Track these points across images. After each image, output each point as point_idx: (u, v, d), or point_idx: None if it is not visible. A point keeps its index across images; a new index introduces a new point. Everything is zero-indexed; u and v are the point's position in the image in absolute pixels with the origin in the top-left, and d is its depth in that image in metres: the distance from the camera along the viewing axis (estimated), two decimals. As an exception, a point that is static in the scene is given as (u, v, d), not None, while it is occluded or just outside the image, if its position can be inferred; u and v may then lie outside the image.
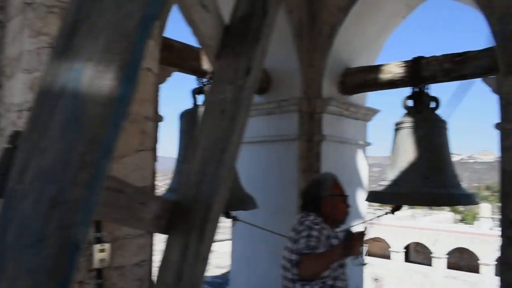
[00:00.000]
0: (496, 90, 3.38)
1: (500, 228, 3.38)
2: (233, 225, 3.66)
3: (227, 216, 3.63)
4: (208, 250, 1.18)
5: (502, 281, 3.36)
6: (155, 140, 3.01)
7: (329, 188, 2.61)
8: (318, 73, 4.21)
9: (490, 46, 3.52)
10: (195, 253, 1.14)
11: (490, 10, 3.39)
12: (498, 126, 3.36)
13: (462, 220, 33.39)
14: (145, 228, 1.18)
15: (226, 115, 1.13)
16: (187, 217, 1.15)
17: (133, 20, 0.62)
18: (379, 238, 24.23)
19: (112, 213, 0.99)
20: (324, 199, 2.56)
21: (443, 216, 23.77)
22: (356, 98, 4.59)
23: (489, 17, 3.40)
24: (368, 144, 4.84)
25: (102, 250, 2.28)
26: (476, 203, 3.83)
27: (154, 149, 2.91)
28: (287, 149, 4.22)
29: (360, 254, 2.29)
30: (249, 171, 4.45)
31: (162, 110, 3.27)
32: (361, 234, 2.33)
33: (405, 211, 25.29)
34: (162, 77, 3.28)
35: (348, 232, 2.33)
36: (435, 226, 23.88)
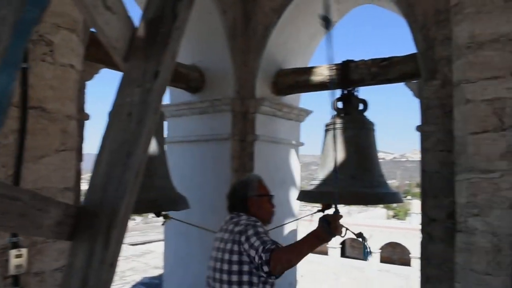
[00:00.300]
0: (417, 94, 3.57)
1: (420, 225, 3.57)
2: (163, 224, 3.61)
3: (158, 215, 3.58)
4: (115, 256, 1.15)
5: (422, 274, 3.55)
6: (79, 140, 2.91)
7: (255, 188, 2.63)
8: (252, 73, 4.25)
9: (414, 52, 3.71)
10: (101, 259, 1.11)
11: (413, 18, 3.57)
12: (418, 128, 3.55)
13: (395, 216, 34.92)
14: (46, 236, 1.14)
15: (133, 118, 1.11)
16: (93, 222, 1.12)
17: (6, 25, 0.59)
18: (317, 235, 24.77)
19: (6, 221, 0.95)
20: (250, 199, 2.58)
21: (377, 213, 24.82)
22: (289, 98, 4.68)
23: (412, 25, 3.58)
24: (301, 144, 4.95)
25: (18, 256, 2.18)
26: (400, 201, 4.03)
27: (78, 149, 2.81)
28: (220, 148, 4.23)
29: (341, 232, 2.29)
30: (183, 170, 4.42)
31: (89, 108, 3.17)
32: (336, 214, 2.30)
33: (341, 208, 25.94)
34: (88, 74, 3.17)
35: (324, 217, 2.28)
36: (369, 222, 24.83)
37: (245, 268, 2.34)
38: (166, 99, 4.76)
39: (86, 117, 3.13)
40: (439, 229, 3.44)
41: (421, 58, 3.53)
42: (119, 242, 1.13)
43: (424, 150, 3.52)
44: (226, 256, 2.42)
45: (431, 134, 3.47)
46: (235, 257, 2.36)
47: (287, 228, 4.62)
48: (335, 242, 24.40)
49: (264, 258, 2.20)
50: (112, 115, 1.14)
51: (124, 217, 1.13)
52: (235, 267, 2.37)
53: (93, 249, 1.10)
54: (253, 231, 2.33)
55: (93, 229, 1.10)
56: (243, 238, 2.34)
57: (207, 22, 4.12)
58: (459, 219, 2.97)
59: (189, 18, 1.18)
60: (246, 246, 2.32)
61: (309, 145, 5.03)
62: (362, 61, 4.01)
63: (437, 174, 3.46)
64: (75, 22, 2.44)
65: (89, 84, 3.19)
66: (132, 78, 1.13)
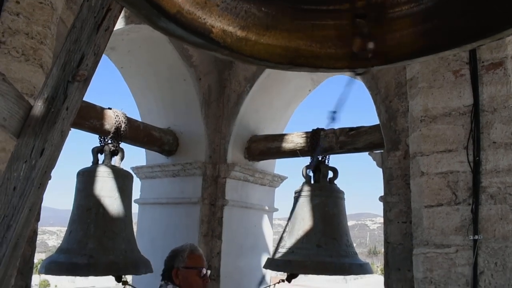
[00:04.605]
0: (380, 164, 3.60)
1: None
2: (123, 291, 3.54)
3: (119, 280, 3.53)
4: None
5: None
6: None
7: (183, 259, 2.56)
8: (224, 139, 4.33)
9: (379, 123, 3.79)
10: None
11: (376, 90, 3.68)
12: (381, 198, 3.55)
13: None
14: None
15: (17, 193, 1.14)
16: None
17: None
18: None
19: None
20: (176, 270, 2.52)
21: (374, 279, 23.98)
22: (263, 164, 4.72)
23: (375, 97, 3.68)
24: (275, 209, 4.93)
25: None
26: (368, 272, 3.94)
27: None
28: (190, 212, 4.22)
29: None
30: (153, 233, 4.40)
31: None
32: None
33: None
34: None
35: None
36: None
37: None
38: (142, 161, 4.83)
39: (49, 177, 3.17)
40: (404, 304, 3.35)
41: (384, 128, 3.59)
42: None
43: (387, 221, 3.49)
44: None
45: (393, 205, 3.46)
46: None
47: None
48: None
49: None
50: (0, 188, 1.17)
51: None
52: None
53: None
54: None
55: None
56: None
57: (182, 88, 4.25)
58: (416, 294, 2.91)
59: (81, 99, 1.24)
60: None
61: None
62: (331, 129, 4.08)
63: (400, 246, 3.41)
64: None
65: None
66: (21, 154, 1.17)
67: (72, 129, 3.68)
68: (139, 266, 3.57)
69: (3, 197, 1.15)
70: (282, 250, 3.86)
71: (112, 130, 3.75)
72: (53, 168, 1.23)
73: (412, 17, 1.59)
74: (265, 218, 4.76)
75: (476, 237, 2.68)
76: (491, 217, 2.68)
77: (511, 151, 2.71)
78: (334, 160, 4.11)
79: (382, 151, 3.66)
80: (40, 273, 3.33)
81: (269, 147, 4.41)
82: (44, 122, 1.18)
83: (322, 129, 4.15)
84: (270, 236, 4.80)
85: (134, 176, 4.19)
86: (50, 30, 2.60)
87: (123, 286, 3.53)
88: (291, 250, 3.81)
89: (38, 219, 3.08)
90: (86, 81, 1.24)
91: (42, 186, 1.17)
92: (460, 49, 1.55)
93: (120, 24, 3.55)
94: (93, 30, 1.25)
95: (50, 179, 3.20)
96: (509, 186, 2.67)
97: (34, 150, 1.16)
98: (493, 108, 2.80)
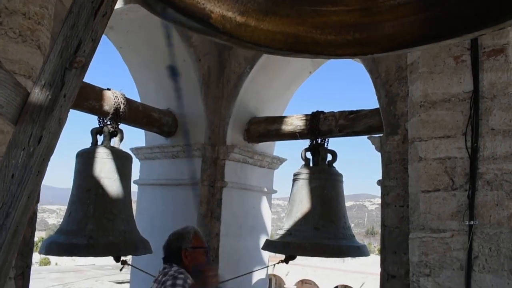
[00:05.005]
0: (379, 148, 3.61)
1: (380, 282, 3.52)
2: (121, 270, 3.60)
3: (118, 260, 3.57)
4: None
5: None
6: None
7: (190, 240, 2.64)
8: (224, 120, 4.32)
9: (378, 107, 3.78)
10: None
11: (377, 74, 3.66)
12: (379, 182, 3.57)
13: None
14: None
15: (15, 180, 1.15)
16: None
17: None
18: (309, 280, 24.36)
19: None
20: (184, 251, 2.58)
21: (371, 259, 24.23)
22: (262, 146, 4.73)
23: (375, 81, 3.66)
24: (274, 191, 4.96)
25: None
26: (366, 254, 3.99)
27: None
28: (189, 193, 4.24)
29: (215, 283, 2.36)
30: (152, 213, 4.44)
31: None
32: (210, 264, 2.45)
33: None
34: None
35: (197, 268, 2.41)
36: (363, 268, 24.18)
37: None
38: (141, 142, 4.83)
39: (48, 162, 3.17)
40: (399, 287, 3.39)
41: (383, 113, 3.59)
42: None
43: (384, 205, 3.52)
44: None
45: (391, 189, 3.48)
46: None
47: (256, 276, 4.57)
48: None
49: None
50: (-2, 176, 1.18)
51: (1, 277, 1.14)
52: None
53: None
54: (171, 282, 2.39)
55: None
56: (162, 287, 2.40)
57: (182, 69, 4.22)
58: (411, 278, 2.95)
59: (78, 86, 1.23)
60: None
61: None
62: (331, 113, 4.08)
63: (397, 229, 3.44)
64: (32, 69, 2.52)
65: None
66: (18, 141, 1.18)
67: (71, 109, 3.70)
68: (138, 246, 3.61)
69: (1, 185, 1.15)
70: (280, 232, 3.90)
71: (111, 111, 3.74)
72: (51, 155, 1.23)
73: (413, 5, 1.58)
74: (264, 200, 4.80)
75: (472, 222, 2.70)
76: (487, 203, 2.70)
77: (509, 138, 2.71)
78: (333, 143, 4.12)
79: (381, 135, 3.67)
80: (40, 253, 3.36)
81: (268, 129, 4.41)
82: (42, 109, 1.18)
83: (322, 112, 4.15)
84: (268, 218, 4.85)
85: (134, 157, 4.20)
86: (47, 10, 2.57)
87: (122, 265, 3.58)
88: (289, 232, 3.85)
89: (37, 201, 3.10)
90: (84, 67, 1.24)
91: (40, 174, 1.18)
92: (461, 38, 1.55)
93: (119, 3, 3.51)
94: (90, 15, 1.24)
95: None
96: (505, 173, 2.68)
97: (32, 137, 1.16)
98: (492, 94, 2.79)
